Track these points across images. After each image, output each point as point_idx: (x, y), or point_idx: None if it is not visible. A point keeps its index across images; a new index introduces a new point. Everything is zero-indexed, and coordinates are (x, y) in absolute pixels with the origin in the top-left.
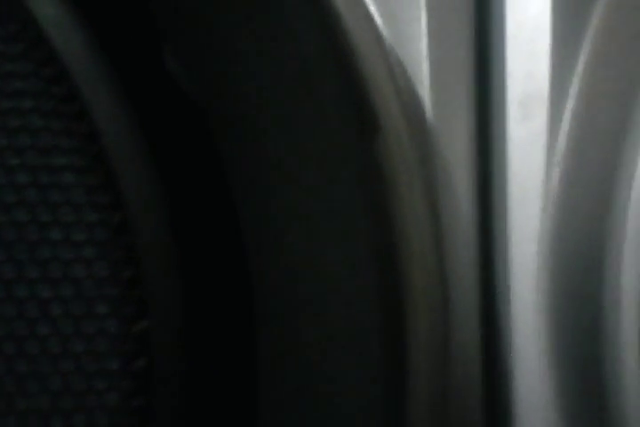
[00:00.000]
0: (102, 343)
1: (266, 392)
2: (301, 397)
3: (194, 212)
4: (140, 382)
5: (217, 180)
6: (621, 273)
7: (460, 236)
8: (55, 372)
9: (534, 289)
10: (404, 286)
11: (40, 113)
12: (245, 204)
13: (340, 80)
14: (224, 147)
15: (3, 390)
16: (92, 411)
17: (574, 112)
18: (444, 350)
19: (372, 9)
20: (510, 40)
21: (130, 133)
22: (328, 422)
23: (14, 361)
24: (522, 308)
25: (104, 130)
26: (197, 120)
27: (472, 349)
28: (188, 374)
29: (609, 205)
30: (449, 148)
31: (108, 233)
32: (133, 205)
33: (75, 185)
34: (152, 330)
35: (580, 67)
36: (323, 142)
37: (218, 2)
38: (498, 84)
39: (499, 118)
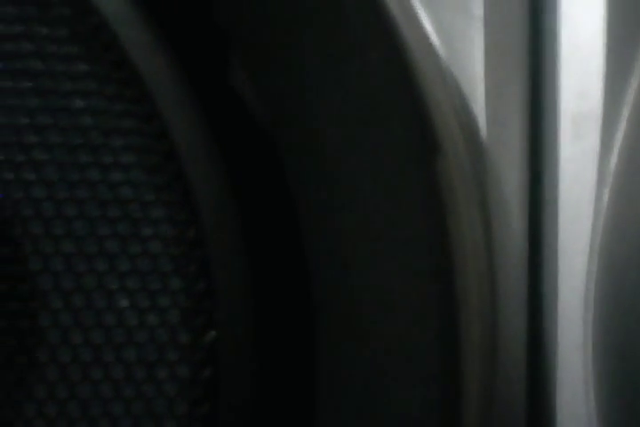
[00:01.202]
0: (173, 353)
1: (324, 402)
2: (359, 404)
3: (263, 226)
4: (207, 390)
5: (284, 194)
6: None
7: (511, 253)
8: (128, 379)
9: (582, 306)
10: (461, 300)
11: (122, 132)
12: (310, 221)
13: (406, 104)
14: (290, 162)
15: (79, 361)
16: (161, 417)
17: (626, 132)
18: (493, 358)
19: (429, 28)
20: (564, 59)
21: (207, 153)
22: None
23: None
24: (569, 323)
25: (182, 148)
26: (265, 138)
27: (518, 360)
28: (252, 383)
29: None
30: (502, 165)
31: (183, 247)
32: (207, 219)
33: (154, 202)
34: (220, 340)
35: (632, 86)
36: (387, 163)
37: (293, 21)
38: (551, 103)
39: (551, 137)
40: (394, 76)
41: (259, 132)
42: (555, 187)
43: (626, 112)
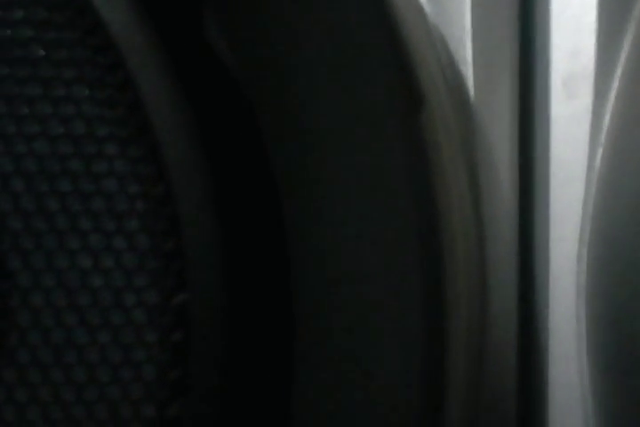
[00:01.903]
0: (141, 315)
1: (303, 370)
2: (339, 375)
3: (237, 187)
4: (177, 354)
5: (260, 154)
6: None
7: (500, 216)
8: (92, 343)
9: (574, 272)
10: (447, 261)
11: (85, 82)
12: (287, 179)
13: (387, 50)
14: (265, 118)
15: (38, 361)
16: (127, 383)
17: (620, 91)
18: (481, 337)
19: None
20: (555, 17)
21: (173, 104)
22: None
23: (52, 332)
24: (561, 292)
25: (148, 100)
26: (239, 93)
27: (509, 334)
28: (225, 349)
29: None
30: (491, 125)
31: (150, 204)
32: (176, 176)
33: (118, 156)
34: (191, 303)
35: (626, 44)
36: (368, 115)
37: None
38: (542, 62)
39: (542, 97)
40: (376, 26)
41: (231, 85)
42: (546, 147)
43: (619, 71)
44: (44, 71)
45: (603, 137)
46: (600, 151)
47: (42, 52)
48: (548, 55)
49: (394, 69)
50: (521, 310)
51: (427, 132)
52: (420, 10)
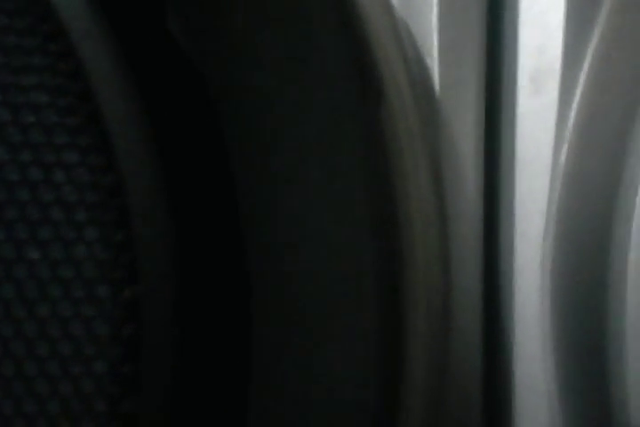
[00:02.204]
0: (91, 308)
1: (259, 368)
2: (295, 380)
3: (190, 177)
4: (129, 349)
5: (214, 143)
6: (629, 252)
7: (463, 209)
8: (42, 337)
9: (539, 269)
10: (405, 258)
11: (34, 70)
12: (242, 168)
13: (344, 40)
14: (221, 107)
15: None
16: (78, 378)
17: (586, 88)
18: (444, 337)
19: None
20: (523, 12)
21: (125, 94)
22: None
23: (1, 325)
24: (525, 288)
25: (98, 89)
26: (196, 83)
27: (473, 334)
28: (178, 343)
29: (618, 183)
30: (456, 120)
31: (100, 195)
32: (126, 167)
33: (67, 146)
34: (142, 296)
35: (594, 41)
36: (324, 106)
37: None
38: (509, 57)
39: (508, 92)
40: (335, 20)
41: (189, 77)
42: (512, 143)
43: (586, 67)
44: None
45: (568, 133)
46: (565, 147)
47: None
48: (516, 51)
49: (351, 64)
50: (485, 308)
51: (385, 126)
52: (387, 3)
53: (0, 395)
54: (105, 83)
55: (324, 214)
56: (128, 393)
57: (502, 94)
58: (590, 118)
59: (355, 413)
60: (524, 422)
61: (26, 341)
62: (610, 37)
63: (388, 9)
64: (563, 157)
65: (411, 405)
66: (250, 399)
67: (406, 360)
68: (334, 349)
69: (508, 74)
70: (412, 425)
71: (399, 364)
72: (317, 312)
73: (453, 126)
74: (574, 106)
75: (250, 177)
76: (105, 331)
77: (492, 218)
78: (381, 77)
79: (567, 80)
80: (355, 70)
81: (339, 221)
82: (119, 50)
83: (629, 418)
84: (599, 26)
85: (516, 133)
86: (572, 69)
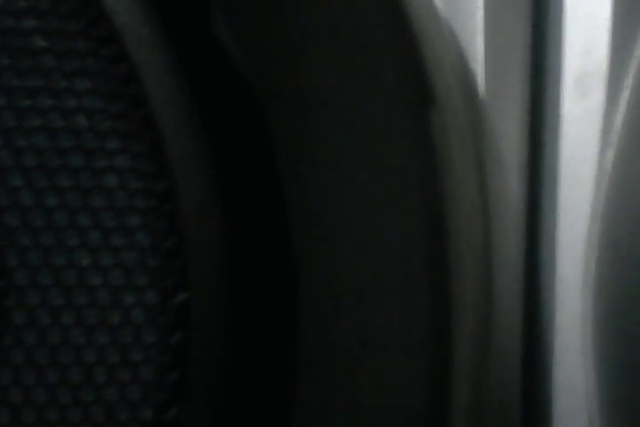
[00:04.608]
0: (139, 315)
1: (306, 372)
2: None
3: (241, 184)
4: (177, 355)
5: (263, 146)
6: None
7: (508, 214)
8: (90, 344)
9: (581, 272)
10: (453, 264)
11: (87, 75)
12: (291, 170)
13: (400, 51)
14: (272, 116)
15: (34, 363)
16: (125, 385)
17: (633, 91)
18: (486, 337)
19: None
20: (569, 13)
21: (178, 99)
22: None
23: (49, 332)
24: (567, 290)
25: (151, 94)
26: (246, 88)
27: (514, 335)
28: (225, 350)
29: None
30: (501, 124)
31: (151, 201)
32: (178, 173)
33: (119, 151)
34: (191, 303)
35: None
36: (377, 115)
37: None
38: (554, 60)
39: (553, 96)
40: (389, 23)
41: (238, 80)
42: (556, 147)
43: (632, 70)
44: (45, 63)
45: (614, 138)
46: (611, 152)
47: (43, 43)
48: (561, 53)
49: (405, 67)
50: (527, 310)
51: (437, 129)
52: (432, 6)
53: (45, 402)
54: (158, 88)
55: (378, 218)
56: (174, 401)
57: (547, 98)
58: (637, 122)
59: (403, 414)
60: (562, 421)
61: (73, 347)
62: None
63: (435, 12)
64: (608, 163)
65: (458, 405)
66: (295, 403)
67: (455, 359)
68: (383, 350)
69: (553, 77)
70: (460, 421)
71: (448, 362)
72: (366, 315)
73: (497, 130)
74: (620, 110)
75: (300, 178)
76: (153, 338)
77: (535, 222)
78: (434, 83)
79: (613, 83)
80: (407, 74)
81: (390, 228)
82: (172, 54)
83: None
84: None
85: (560, 138)
86: (619, 72)
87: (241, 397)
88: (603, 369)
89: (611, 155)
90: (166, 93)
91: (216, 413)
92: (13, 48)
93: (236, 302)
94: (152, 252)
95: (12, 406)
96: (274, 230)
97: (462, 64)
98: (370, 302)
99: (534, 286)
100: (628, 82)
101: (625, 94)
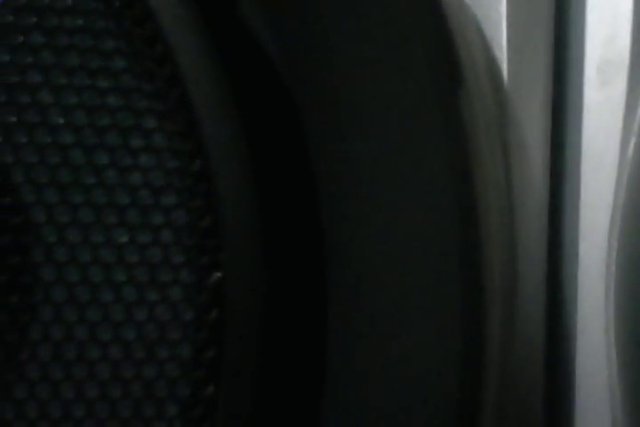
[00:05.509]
0: (177, 293)
1: (338, 355)
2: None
3: (274, 164)
4: (213, 333)
5: (297, 131)
6: None
7: (531, 201)
8: (129, 320)
9: (603, 260)
10: (482, 242)
11: (123, 55)
12: (323, 156)
13: (428, 28)
14: (302, 92)
15: (74, 339)
16: (163, 362)
17: None
18: (509, 327)
19: None
20: (591, 2)
21: (213, 79)
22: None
23: (87, 309)
24: (589, 279)
25: (187, 74)
26: (277, 70)
27: (537, 324)
28: (261, 328)
29: None
30: (524, 111)
31: (187, 180)
32: (213, 152)
33: (155, 130)
34: (227, 281)
35: None
36: (406, 90)
37: None
38: (576, 48)
39: (576, 83)
40: (420, 8)
41: (268, 61)
42: (578, 135)
43: None
44: (81, 42)
45: (635, 125)
46: (633, 140)
47: (80, 22)
48: (583, 41)
49: (434, 50)
50: (549, 299)
51: (464, 111)
52: None
53: (85, 379)
54: (193, 68)
55: (408, 200)
56: (211, 378)
57: (569, 85)
58: None
59: (436, 401)
60: (585, 410)
61: (112, 325)
62: None
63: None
64: (630, 151)
65: (488, 390)
66: (327, 385)
67: (486, 344)
68: (417, 336)
69: (576, 65)
70: (488, 406)
71: (481, 347)
72: (400, 300)
73: (520, 117)
74: None
75: (332, 164)
76: (190, 316)
77: (557, 210)
78: (462, 62)
79: (635, 71)
80: (437, 57)
81: (423, 214)
82: (206, 36)
83: None
84: None
85: (582, 125)
86: None
87: (276, 377)
88: (624, 359)
89: (633, 143)
90: (202, 74)
91: (252, 390)
92: (47, 28)
93: (272, 282)
94: (188, 231)
95: (52, 382)
96: (309, 215)
97: (487, 52)
98: (401, 293)
99: (556, 274)
100: None
101: None
